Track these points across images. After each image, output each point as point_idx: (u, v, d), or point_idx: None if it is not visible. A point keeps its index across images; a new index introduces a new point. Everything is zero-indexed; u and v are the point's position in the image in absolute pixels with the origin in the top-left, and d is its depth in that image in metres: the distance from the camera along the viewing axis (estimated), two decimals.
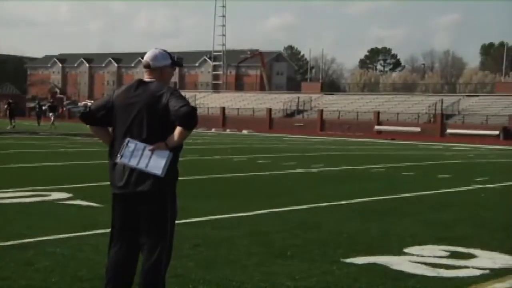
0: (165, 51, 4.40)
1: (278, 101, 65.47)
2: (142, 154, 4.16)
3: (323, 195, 11.03)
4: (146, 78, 4.36)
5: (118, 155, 4.22)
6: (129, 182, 4.19)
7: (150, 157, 4.14)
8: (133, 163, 4.17)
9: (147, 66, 4.34)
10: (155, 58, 4.33)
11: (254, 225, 7.93)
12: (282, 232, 7.46)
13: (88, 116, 4.40)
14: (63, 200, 9.35)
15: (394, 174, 15.80)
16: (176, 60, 4.45)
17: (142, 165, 4.14)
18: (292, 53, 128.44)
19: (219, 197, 10.33)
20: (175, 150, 4.20)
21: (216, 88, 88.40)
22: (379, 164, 18.86)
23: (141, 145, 4.18)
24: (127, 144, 4.21)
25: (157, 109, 4.15)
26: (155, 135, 4.16)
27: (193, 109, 4.07)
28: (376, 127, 53.01)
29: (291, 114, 61.94)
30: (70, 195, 9.84)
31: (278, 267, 5.76)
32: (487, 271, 5.84)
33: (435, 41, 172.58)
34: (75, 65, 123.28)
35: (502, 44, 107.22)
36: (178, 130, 4.10)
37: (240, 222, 8.07)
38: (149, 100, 4.20)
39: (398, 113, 55.36)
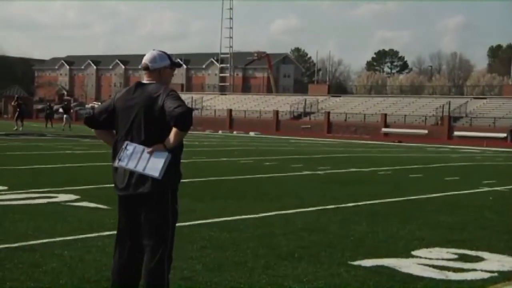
0: (163, 52, 4.41)
1: (285, 103, 65.49)
2: (140, 157, 4.17)
3: (330, 197, 11.01)
4: (145, 80, 4.37)
5: (117, 159, 4.24)
6: (130, 184, 4.22)
7: (148, 159, 4.15)
8: (131, 166, 4.18)
9: (146, 68, 4.35)
10: (153, 59, 4.34)
11: (261, 227, 7.92)
12: (289, 235, 7.45)
13: (91, 120, 4.44)
14: (70, 202, 9.37)
15: (401, 177, 15.76)
16: (175, 61, 4.45)
17: (140, 168, 4.15)
18: (299, 55, 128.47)
19: (226, 199, 10.33)
20: (175, 151, 4.21)
21: (223, 90, 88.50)
22: (386, 166, 18.83)
23: (139, 147, 4.19)
24: (125, 147, 4.22)
25: (154, 111, 4.16)
26: (153, 137, 4.17)
27: (188, 110, 4.06)
28: (383, 129, 52.94)
29: (298, 116, 61.94)
30: (78, 196, 9.86)
31: (285, 270, 5.76)
32: (495, 274, 5.82)
33: (442, 43, 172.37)
34: (83, 67, 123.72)
35: (510, 46, 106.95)
36: (173, 131, 4.11)
37: (247, 224, 8.07)
38: (146, 102, 4.21)
39: (405, 115, 55.28)
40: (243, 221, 8.33)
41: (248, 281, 5.32)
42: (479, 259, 6.43)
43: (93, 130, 4.53)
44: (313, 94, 68.10)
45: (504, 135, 47.15)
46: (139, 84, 4.34)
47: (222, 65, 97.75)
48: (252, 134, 49.77)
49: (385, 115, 54.91)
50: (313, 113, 61.56)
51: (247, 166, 17.32)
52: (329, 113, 57.97)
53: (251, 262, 6.00)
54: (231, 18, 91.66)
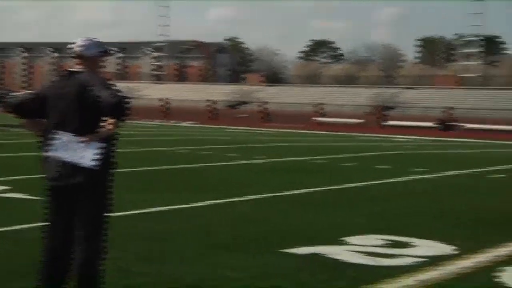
0: (95, 39, 4.32)
1: (221, 93, 65.41)
2: (73, 147, 4.09)
3: (266, 187, 11.08)
4: (76, 67, 4.26)
5: (49, 148, 4.15)
6: (62, 174, 4.13)
7: (82, 149, 4.07)
8: (64, 156, 4.09)
9: (78, 55, 4.25)
10: (85, 47, 4.24)
11: (197, 217, 7.92)
12: (225, 224, 7.47)
13: (20, 109, 4.30)
14: (1, 193, 9.13)
15: (335, 165, 16.02)
16: (107, 49, 4.37)
17: (73, 158, 4.08)
18: (236, 45, 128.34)
19: (161, 189, 10.26)
20: (109, 141, 4.15)
21: (159, 79, 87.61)
22: (321, 155, 19.08)
23: (72, 137, 4.10)
24: (58, 137, 4.13)
25: (88, 99, 4.07)
26: (86, 126, 4.09)
27: (123, 99, 4.00)
28: (318, 119, 53.60)
29: (235, 106, 61.99)
30: (8, 187, 9.62)
31: (221, 259, 5.77)
32: (424, 259, 5.99)
33: (375, 34, 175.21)
34: (12, 54, 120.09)
35: (440, 38, 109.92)
36: (109, 120, 4.04)
37: (183, 215, 8.05)
38: (79, 90, 4.11)
39: (339, 105, 56.12)
40: (179, 211, 8.31)
41: (182, 271, 5.31)
42: (410, 245, 6.61)
43: (21, 119, 4.39)
44: (250, 83, 68.27)
45: (435, 124, 48.47)
46: (71, 72, 4.24)
47: (158, 53, 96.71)
48: (188, 123, 49.56)
49: (320, 104, 55.61)
50: (250, 102, 61.73)
51: (183, 156, 17.25)
52: (265, 102, 58.27)
53: (185, 252, 5.99)
54: (166, 6, 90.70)
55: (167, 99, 63.39)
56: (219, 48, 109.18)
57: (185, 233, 6.84)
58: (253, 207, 8.85)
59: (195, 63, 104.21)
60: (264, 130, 42.11)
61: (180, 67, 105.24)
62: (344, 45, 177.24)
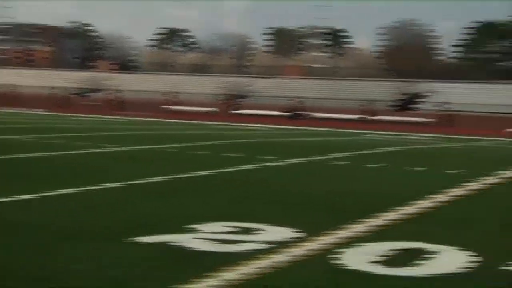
0: None
1: (70, 79, 63.29)
2: None
3: (116, 175, 10.90)
4: None
5: None
6: None
7: None
8: None
9: None
10: None
11: (42, 207, 7.61)
12: (72, 214, 7.25)
13: None
14: None
15: (186, 154, 16.06)
16: None
17: None
18: (86, 30, 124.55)
19: (3, 180, 9.75)
20: None
21: (3, 63, 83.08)
22: (172, 143, 19.06)
23: None
24: None
25: None
26: None
27: None
28: (171, 107, 53.46)
29: (85, 93, 60.24)
30: None
31: (65, 251, 5.58)
32: (271, 245, 6.16)
33: (228, 24, 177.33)
34: None
35: (290, 29, 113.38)
36: None
37: (27, 205, 7.71)
38: None
39: (192, 93, 56.31)
40: (23, 202, 7.94)
41: (25, 264, 5.08)
42: (257, 231, 6.76)
43: None
44: (102, 70, 66.63)
45: (285, 113, 50.04)
46: None
47: (1, 36, 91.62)
48: (35, 110, 47.50)
49: (173, 92, 55.48)
50: (102, 90, 60.27)
51: (29, 144, 16.54)
52: (118, 90, 57.15)
53: (28, 244, 5.73)
54: None
55: (11, 85, 60.27)
56: (67, 33, 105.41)
57: (29, 224, 6.56)
58: (101, 196, 8.66)
59: (42, 48, 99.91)
60: (116, 118, 41.29)
61: (25, 51, 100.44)
62: (198, 34, 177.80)
